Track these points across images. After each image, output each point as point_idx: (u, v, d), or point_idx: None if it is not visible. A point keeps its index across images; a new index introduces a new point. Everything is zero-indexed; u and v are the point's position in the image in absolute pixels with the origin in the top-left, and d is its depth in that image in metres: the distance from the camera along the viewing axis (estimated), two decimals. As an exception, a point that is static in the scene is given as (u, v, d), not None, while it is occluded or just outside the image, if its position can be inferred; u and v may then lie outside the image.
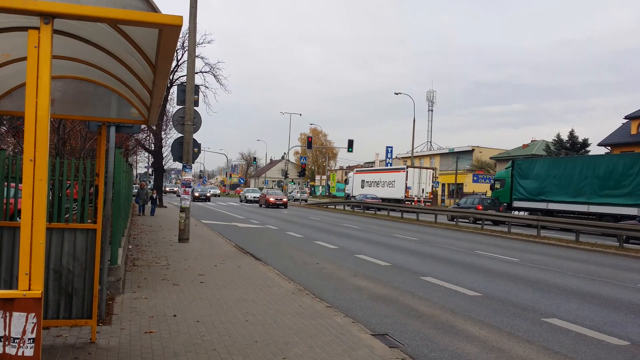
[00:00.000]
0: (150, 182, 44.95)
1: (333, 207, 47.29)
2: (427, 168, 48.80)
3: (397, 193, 43.21)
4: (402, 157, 78.04)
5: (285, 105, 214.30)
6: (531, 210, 29.51)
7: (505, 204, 31.98)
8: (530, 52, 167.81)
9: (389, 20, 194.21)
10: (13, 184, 6.71)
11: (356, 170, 59.84)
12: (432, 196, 46.81)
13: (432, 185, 45.96)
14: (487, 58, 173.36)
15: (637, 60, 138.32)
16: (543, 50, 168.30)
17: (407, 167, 46.39)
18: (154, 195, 29.71)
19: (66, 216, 7.26)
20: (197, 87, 17.86)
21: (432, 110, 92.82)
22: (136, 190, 28.81)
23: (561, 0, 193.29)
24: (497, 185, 33.86)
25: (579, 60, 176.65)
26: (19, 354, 2.72)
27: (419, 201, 43.04)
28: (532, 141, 65.64)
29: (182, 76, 33.96)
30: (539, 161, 31.90)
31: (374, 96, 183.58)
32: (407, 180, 44.54)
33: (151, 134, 31.87)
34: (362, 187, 49.87)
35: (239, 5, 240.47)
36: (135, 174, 52.22)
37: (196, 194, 52.61)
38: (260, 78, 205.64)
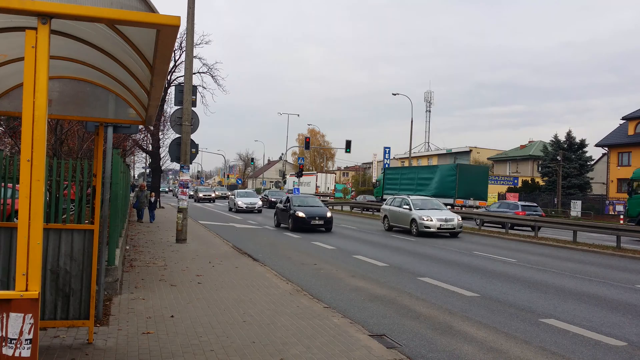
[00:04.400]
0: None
1: (330, 207, 47.77)
2: (331, 173, 71.19)
3: (311, 190, 59.54)
4: (400, 158, 78.11)
5: (285, 106, 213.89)
6: None
7: (380, 197, 45.03)
8: (531, 54, 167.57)
9: (390, 22, 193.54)
10: (10, 185, 6.70)
11: (290, 174, 78.06)
12: (334, 192, 64.39)
13: (335, 185, 65.82)
14: (488, 59, 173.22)
15: (638, 61, 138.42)
16: (544, 52, 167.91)
17: (317, 173, 67.62)
18: (152, 199, 25.04)
19: (63, 217, 7.25)
20: (194, 88, 17.86)
21: (429, 111, 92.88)
22: (134, 193, 25.13)
23: (563, 2, 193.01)
24: (377, 184, 49.02)
25: (579, 61, 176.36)
26: (16, 354, 2.71)
27: (326, 195, 57.98)
28: (529, 142, 65.76)
29: (179, 77, 33.95)
30: (396, 169, 47.61)
31: (374, 97, 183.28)
32: (317, 181, 63.30)
33: (149, 135, 31.79)
34: (293, 186, 65.64)
35: (242, 6, 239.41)
36: (133, 174, 52.03)
37: (302, 215, 22.28)
38: (261, 78, 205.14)
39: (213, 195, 57.68)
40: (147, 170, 49.72)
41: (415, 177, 40.47)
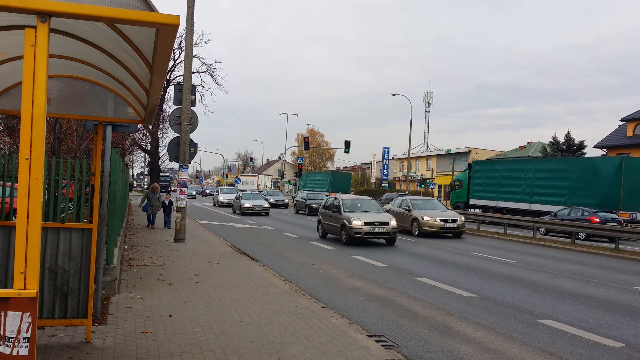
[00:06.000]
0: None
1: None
2: (269, 175, 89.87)
3: (254, 188, 72.32)
4: (399, 158, 78.08)
5: (286, 107, 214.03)
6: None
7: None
8: (533, 56, 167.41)
9: (393, 23, 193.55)
10: (9, 183, 6.70)
11: (240, 175, 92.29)
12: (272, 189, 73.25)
13: (272, 185, 78.84)
14: (490, 61, 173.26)
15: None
16: (547, 54, 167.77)
17: (258, 175, 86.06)
18: (167, 201, 21.06)
19: (62, 215, 7.25)
20: (194, 87, 17.85)
21: (428, 112, 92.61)
22: (144, 194, 22.01)
23: (565, 4, 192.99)
24: (326, 187, 59.16)
25: (582, 63, 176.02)
26: (14, 353, 2.71)
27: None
28: (528, 143, 65.75)
29: (179, 76, 33.95)
30: (309, 173, 61.39)
31: (375, 97, 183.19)
32: (258, 181, 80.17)
33: (148, 134, 31.75)
34: (241, 185, 75.27)
35: (248, 7, 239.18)
36: (132, 173, 51.97)
37: None
38: (262, 79, 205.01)
39: (267, 204, 34.73)
40: (146, 170, 49.62)
41: (313, 179, 57.38)
